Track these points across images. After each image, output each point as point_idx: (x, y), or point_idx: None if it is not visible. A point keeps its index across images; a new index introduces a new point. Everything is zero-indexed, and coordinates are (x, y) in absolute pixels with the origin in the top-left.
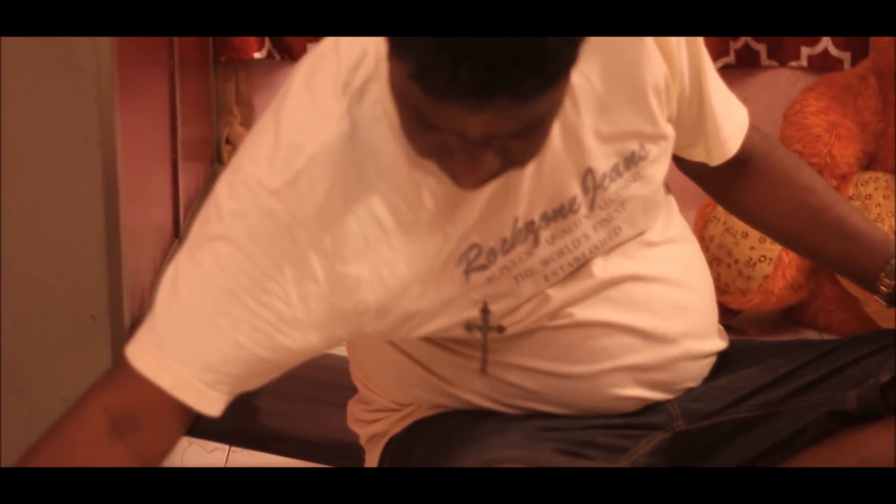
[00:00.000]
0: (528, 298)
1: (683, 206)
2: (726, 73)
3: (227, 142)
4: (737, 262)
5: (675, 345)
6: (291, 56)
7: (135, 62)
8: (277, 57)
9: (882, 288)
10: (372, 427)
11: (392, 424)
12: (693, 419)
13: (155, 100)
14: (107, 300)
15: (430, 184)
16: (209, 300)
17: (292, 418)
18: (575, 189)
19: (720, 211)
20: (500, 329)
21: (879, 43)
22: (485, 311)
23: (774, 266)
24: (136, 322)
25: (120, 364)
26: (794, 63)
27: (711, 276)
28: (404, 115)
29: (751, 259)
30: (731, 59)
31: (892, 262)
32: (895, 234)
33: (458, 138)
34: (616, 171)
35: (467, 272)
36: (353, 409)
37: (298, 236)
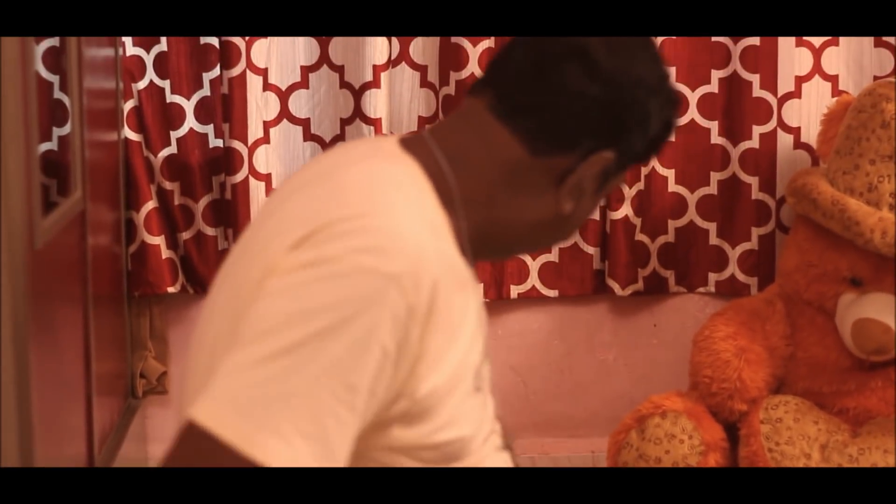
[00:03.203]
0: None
1: (597, 433)
2: (636, 299)
3: (142, 376)
4: None
5: None
6: (205, 290)
7: (49, 298)
8: (191, 291)
9: None
10: None
11: None
12: None
13: (69, 335)
14: None
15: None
16: None
17: None
18: None
19: (633, 437)
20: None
21: (785, 268)
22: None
23: None
24: None
25: None
26: (702, 289)
27: None
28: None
29: None
30: (639, 286)
31: None
32: (806, 458)
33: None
34: None
35: (476, 389)
36: None
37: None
